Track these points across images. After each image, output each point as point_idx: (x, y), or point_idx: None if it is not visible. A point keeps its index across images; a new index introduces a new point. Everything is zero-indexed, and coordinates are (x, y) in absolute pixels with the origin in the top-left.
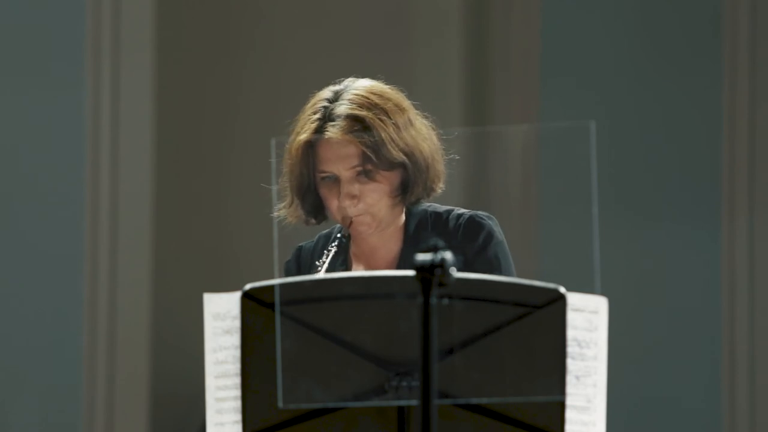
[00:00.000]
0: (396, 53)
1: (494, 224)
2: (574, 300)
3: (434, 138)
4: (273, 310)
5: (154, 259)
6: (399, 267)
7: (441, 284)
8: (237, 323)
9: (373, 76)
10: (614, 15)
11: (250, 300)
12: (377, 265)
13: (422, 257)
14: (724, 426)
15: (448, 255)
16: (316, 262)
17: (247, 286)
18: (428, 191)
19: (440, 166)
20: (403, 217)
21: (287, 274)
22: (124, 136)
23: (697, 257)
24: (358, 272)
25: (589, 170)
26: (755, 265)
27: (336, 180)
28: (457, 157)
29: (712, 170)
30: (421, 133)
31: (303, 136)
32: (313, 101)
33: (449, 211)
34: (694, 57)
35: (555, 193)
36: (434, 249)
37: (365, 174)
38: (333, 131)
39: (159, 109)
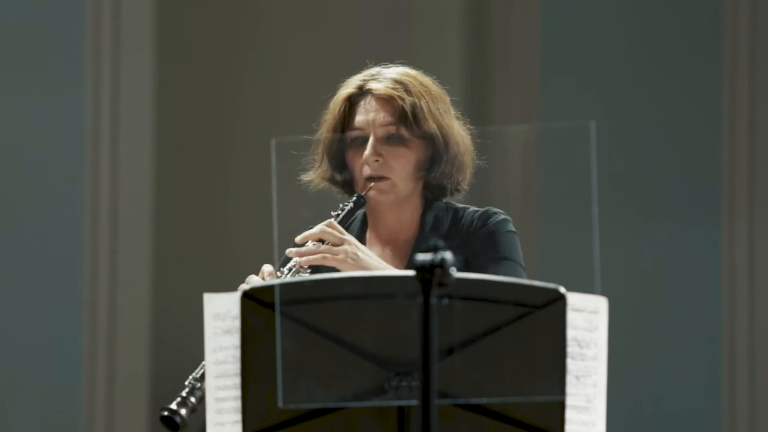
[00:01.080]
0: (396, 53)
1: (508, 219)
2: (574, 300)
3: (468, 138)
4: (273, 310)
5: (154, 259)
6: (413, 252)
7: (441, 284)
8: (237, 323)
9: None
10: (614, 15)
11: (250, 300)
12: (394, 249)
13: (422, 257)
14: (724, 426)
15: (448, 255)
16: (331, 212)
17: (248, 287)
18: (453, 184)
19: (468, 165)
20: (422, 207)
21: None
22: (124, 136)
23: (697, 257)
24: (358, 272)
25: (589, 170)
26: (755, 265)
27: (365, 142)
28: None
29: (712, 170)
30: (457, 126)
31: (346, 90)
32: (362, 72)
33: (465, 208)
34: (694, 57)
35: (555, 193)
36: (434, 249)
37: (396, 137)
38: (375, 85)
39: (159, 109)
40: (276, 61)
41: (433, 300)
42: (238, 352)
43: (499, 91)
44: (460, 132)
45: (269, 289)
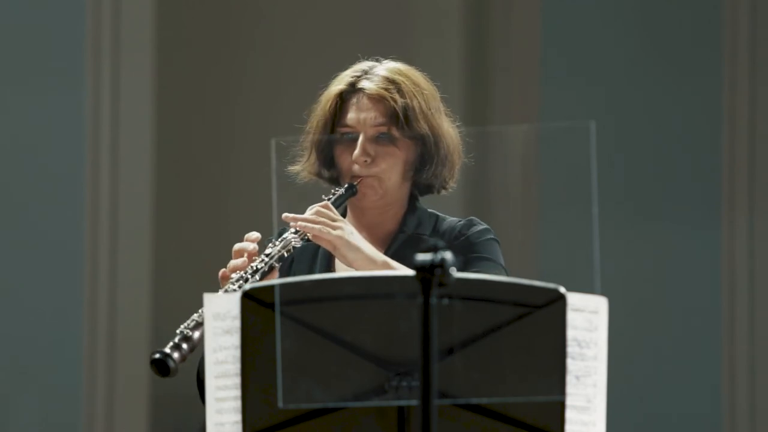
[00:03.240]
0: (396, 53)
1: (490, 229)
2: (574, 300)
3: (457, 136)
4: (273, 310)
5: (154, 259)
6: (390, 248)
7: (441, 284)
8: (237, 323)
9: None
10: (614, 15)
11: (250, 300)
12: (371, 241)
13: (422, 257)
14: (724, 426)
15: (448, 255)
16: (323, 196)
17: (247, 286)
18: (440, 183)
19: (457, 164)
20: (406, 207)
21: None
22: (124, 136)
23: (697, 257)
24: (358, 272)
25: (589, 170)
26: (755, 264)
27: (356, 138)
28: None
29: (712, 170)
30: (447, 124)
31: (337, 87)
32: (353, 67)
33: (446, 216)
34: (694, 57)
35: (555, 193)
36: (434, 249)
37: (387, 137)
38: (367, 84)
39: (159, 109)
40: (276, 61)
41: (433, 300)
42: (238, 352)
43: (499, 91)
44: (449, 131)
45: (269, 289)
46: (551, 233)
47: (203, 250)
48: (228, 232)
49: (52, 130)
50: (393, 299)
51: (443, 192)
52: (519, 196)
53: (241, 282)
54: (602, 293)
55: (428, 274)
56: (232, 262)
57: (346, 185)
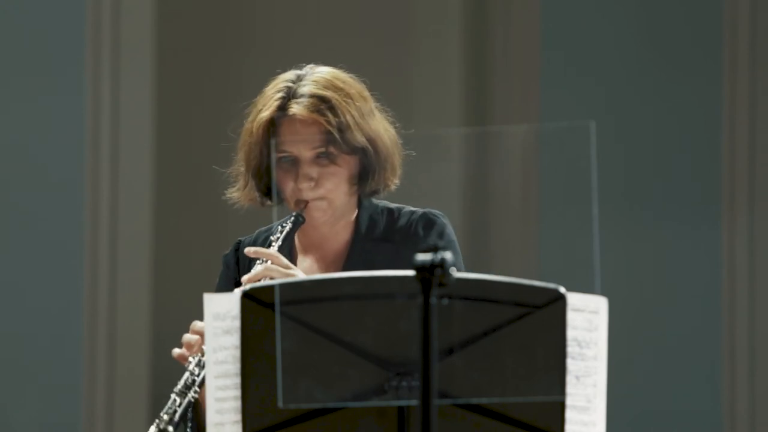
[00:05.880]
0: (396, 53)
1: (447, 223)
2: (574, 300)
3: (393, 131)
4: (273, 310)
5: (154, 259)
6: (349, 259)
7: (441, 284)
8: (237, 323)
9: (373, 77)
10: (614, 15)
11: (250, 300)
12: (326, 255)
13: (422, 257)
14: (724, 426)
15: (448, 255)
16: (271, 237)
17: (248, 286)
18: (384, 184)
19: (398, 161)
20: (356, 210)
21: (225, 266)
22: (124, 136)
23: (698, 257)
24: (358, 272)
25: (589, 170)
26: (755, 265)
27: (294, 162)
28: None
29: (712, 170)
30: (382, 123)
31: (266, 114)
32: (274, 83)
33: (400, 208)
34: (694, 57)
35: (555, 193)
36: (434, 249)
37: (326, 156)
38: (297, 108)
39: (159, 109)
40: (276, 60)
41: (433, 300)
42: (238, 352)
43: (499, 91)
44: (386, 129)
45: (269, 289)
46: (551, 233)
47: (203, 250)
48: (228, 232)
49: (52, 130)
50: (393, 299)
51: (387, 189)
52: (519, 196)
53: (197, 369)
54: (602, 293)
55: (428, 274)
56: (186, 337)
57: (292, 218)
